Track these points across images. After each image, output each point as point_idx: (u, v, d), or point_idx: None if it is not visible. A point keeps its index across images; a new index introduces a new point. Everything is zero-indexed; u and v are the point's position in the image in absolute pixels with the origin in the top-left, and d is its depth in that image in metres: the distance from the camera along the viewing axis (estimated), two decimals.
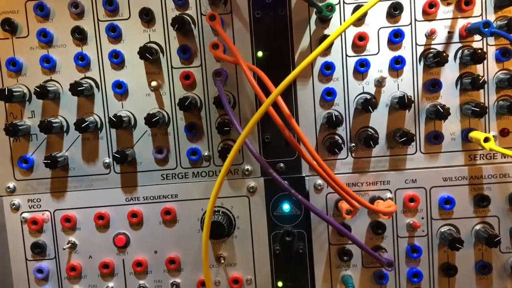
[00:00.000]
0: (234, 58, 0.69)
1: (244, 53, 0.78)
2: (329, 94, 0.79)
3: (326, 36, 0.77)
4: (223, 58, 0.71)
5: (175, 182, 0.81)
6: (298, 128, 0.62)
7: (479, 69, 0.77)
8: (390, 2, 0.76)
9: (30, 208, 0.82)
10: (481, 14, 0.77)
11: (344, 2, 0.77)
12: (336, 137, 0.79)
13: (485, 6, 0.77)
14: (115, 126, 0.75)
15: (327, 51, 0.78)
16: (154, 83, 0.78)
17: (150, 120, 0.75)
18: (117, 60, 0.78)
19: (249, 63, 0.70)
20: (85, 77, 0.79)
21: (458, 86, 0.78)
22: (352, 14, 0.77)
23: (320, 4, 0.73)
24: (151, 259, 0.82)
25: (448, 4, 0.77)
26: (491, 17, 0.77)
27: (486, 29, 0.71)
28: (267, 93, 0.65)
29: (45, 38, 0.77)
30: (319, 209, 0.70)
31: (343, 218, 0.77)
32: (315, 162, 0.63)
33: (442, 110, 0.74)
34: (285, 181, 0.79)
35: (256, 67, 0.69)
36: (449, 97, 0.78)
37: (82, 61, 0.78)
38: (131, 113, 0.79)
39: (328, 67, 0.78)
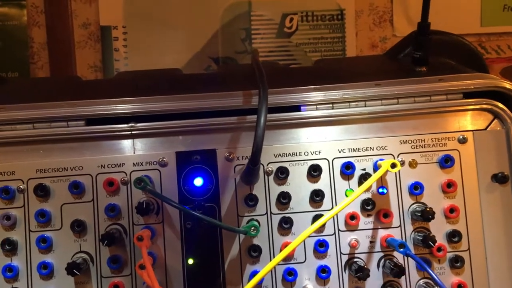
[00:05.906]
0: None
1: (175, 259, 0.80)
2: None
3: (255, 246, 0.80)
4: (146, 282, 0.72)
5: None
6: None
7: (402, 279, 0.80)
8: (314, 213, 0.80)
9: None
10: (400, 225, 0.81)
11: (271, 213, 0.81)
12: None
13: (403, 218, 0.81)
14: None
15: (255, 259, 0.81)
16: None
17: None
18: (46, 271, 0.78)
19: None
20: None
21: None
22: (279, 223, 0.81)
23: (244, 227, 0.76)
24: None
25: (368, 215, 0.81)
26: (409, 227, 0.81)
27: (401, 250, 0.75)
28: None
29: None
30: None
31: None
32: None
33: None
34: None
35: None
36: None
37: (10, 273, 0.78)
38: None
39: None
